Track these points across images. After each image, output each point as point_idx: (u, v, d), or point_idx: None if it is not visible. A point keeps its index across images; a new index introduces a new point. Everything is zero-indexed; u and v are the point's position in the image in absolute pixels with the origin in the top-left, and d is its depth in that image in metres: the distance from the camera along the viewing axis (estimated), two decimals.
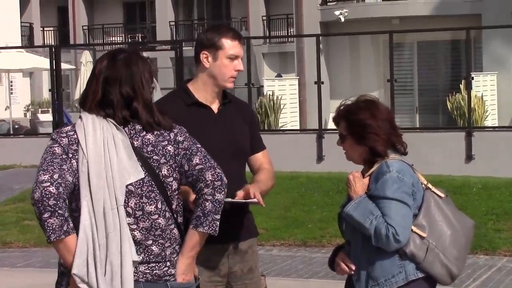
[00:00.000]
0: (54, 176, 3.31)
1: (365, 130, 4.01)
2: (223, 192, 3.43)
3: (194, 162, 3.46)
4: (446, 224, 4.02)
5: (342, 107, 4.13)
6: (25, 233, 10.92)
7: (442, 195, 4.09)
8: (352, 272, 4.03)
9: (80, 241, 3.33)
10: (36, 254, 10.05)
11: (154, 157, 3.48)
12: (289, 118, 17.35)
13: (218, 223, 3.44)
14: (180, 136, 3.55)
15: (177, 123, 3.65)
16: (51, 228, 3.28)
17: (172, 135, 3.54)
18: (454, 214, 4.08)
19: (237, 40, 4.29)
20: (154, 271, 3.47)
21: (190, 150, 3.50)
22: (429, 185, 4.08)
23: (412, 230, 3.94)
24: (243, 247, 4.33)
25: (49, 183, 3.28)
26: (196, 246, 3.50)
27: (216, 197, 3.41)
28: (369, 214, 3.90)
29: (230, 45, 4.27)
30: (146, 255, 3.46)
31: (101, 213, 3.36)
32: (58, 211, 3.27)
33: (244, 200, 4.03)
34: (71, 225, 3.33)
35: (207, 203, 3.41)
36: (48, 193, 3.26)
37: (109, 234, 3.36)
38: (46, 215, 3.27)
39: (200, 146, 3.55)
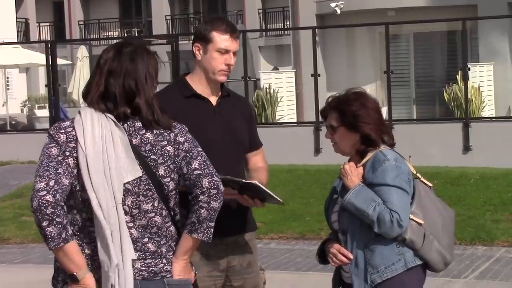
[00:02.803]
0: (50, 183, 3.29)
1: (357, 119, 4.05)
2: (218, 201, 3.40)
3: (193, 166, 3.42)
4: (436, 212, 4.10)
5: (331, 99, 4.17)
6: (23, 229, 10.90)
7: (430, 184, 4.19)
8: (350, 262, 4.04)
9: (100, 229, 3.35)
10: (34, 250, 10.03)
11: (151, 156, 3.45)
12: (286, 111, 17.32)
13: (212, 230, 3.43)
14: (181, 137, 3.50)
15: (176, 116, 3.62)
16: (50, 236, 3.28)
17: (172, 135, 3.49)
18: (440, 203, 4.18)
19: (229, 33, 4.21)
20: (150, 268, 3.46)
21: (191, 153, 3.46)
22: (418, 174, 4.16)
23: (409, 217, 3.99)
24: (242, 241, 4.33)
25: (46, 192, 3.27)
26: (189, 250, 3.50)
27: (211, 205, 3.38)
28: (371, 201, 3.94)
29: (220, 39, 4.20)
30: (142, 252, 3.45)
31: (106, 211, 3.36)
32: (56, 219, 3.26)
33: (271, 193, 4.04)
34: (70, 232, 3.32)
35: (202, 211, 3.38)
36: (45, 202, 3.25)
37: (112, 232, 3.36)
38: (44, 224, 3.27)
39: (201, 149, 3.50)
